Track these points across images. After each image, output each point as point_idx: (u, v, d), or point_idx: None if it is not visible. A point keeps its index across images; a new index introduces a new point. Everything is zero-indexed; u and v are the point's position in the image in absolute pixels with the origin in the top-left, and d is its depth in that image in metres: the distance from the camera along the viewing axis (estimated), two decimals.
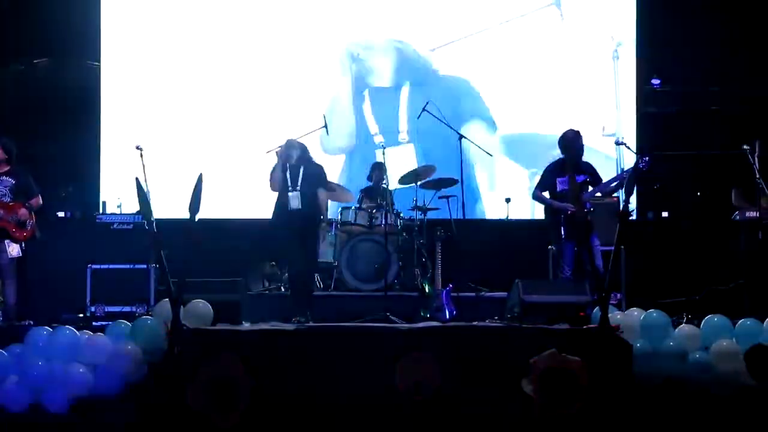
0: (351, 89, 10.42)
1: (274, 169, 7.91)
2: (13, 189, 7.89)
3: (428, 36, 10.42)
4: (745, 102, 10.17)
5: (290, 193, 7.81)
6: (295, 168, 7.87)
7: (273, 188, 7.92)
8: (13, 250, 7.78)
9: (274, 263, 9.23)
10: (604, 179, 8.18)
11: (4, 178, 7.90)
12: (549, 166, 8.26)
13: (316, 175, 7.99)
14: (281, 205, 7.87)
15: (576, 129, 8.12)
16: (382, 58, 10.49)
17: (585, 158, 8.20)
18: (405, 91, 10.41)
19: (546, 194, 8.13)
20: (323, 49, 10.36)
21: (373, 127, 10.42)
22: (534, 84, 10.40)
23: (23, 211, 7.82)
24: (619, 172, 7.88)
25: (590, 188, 8.07)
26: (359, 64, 10.41)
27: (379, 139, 10.13)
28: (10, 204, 7.82)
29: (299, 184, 7.83)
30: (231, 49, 10.37)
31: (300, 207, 7.78)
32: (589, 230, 8.02)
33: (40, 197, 8.05)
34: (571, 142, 8.08)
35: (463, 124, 9.99)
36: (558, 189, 8.03)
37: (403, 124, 10.34)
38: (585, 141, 8.16)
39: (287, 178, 7.85)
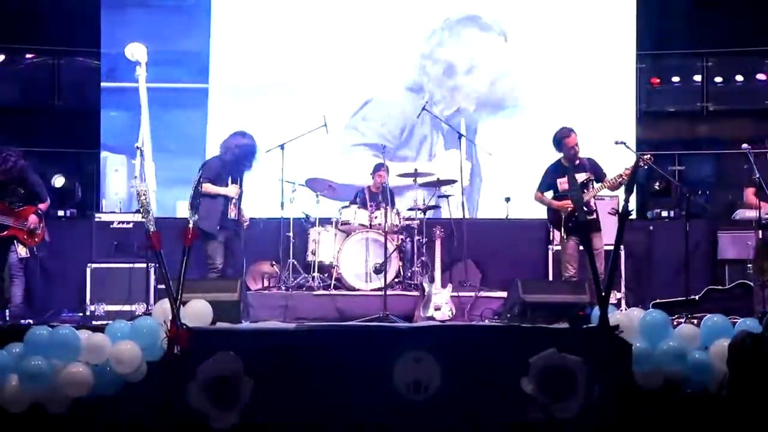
0: None
1: None
2: (23, 197, 7.85)
3: None
4: (745, 101, 10.17)
5: None
6: None
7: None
8: (22, 250, 7.78)
9: (274, 263, 9.23)
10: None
11: (13, 186, 7.85)
12: (549, 166, 8.22)
13: None
14: None
15: (568, 126, 8.07)
16: None
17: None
18: None
19: (548, 194, 8.09)
20: None
21: None
22: (536, 82, 10.43)
23: (33, 218, 7.77)
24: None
25: (595, 185, 8.02)
26: None
27: None
28: (20, 210, 7.78)
29: None
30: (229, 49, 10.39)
31: None
32: (592, 230, 7.96)
33: (48, 201, 8.03)
34: (562, 139, 8.02)
35: None
36: (560, 189, 7.98)
37: None
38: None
39: None
